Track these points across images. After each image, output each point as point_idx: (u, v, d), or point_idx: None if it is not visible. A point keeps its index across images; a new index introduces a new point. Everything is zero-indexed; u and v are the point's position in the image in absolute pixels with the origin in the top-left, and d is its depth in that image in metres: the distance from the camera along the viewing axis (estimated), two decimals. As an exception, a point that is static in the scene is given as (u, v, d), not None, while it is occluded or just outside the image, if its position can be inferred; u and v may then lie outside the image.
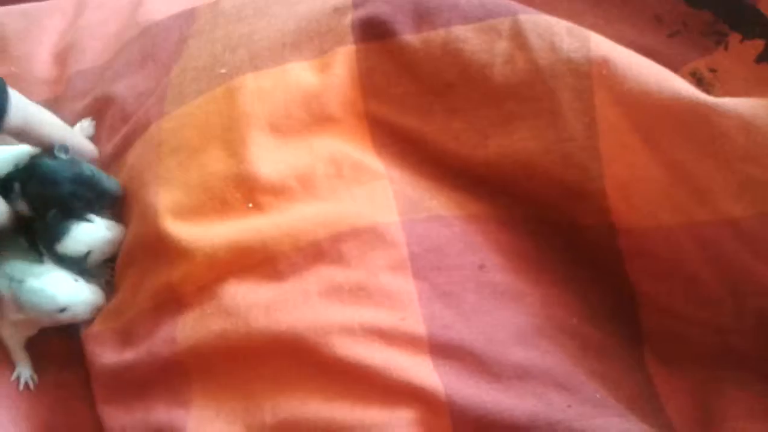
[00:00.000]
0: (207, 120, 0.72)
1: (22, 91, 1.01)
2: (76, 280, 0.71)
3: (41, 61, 1.04)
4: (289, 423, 0.56)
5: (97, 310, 0.72)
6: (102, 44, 0.98)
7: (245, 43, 0.75)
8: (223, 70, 0.74)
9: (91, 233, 0.72)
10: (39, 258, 0.73)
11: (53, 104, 0.99)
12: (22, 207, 0.73)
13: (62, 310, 0.69)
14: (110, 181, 0.75)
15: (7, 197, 0.72)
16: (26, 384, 0.73)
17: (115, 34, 0.98)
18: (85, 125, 0.85)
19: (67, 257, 0.72)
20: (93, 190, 0.73)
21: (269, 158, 0.68)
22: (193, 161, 0.70)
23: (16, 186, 0.72)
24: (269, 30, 0.75)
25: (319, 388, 0.57)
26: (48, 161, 0.72)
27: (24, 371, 0.74)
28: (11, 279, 0.71)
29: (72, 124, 0.88)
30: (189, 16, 0.87)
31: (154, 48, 0.87)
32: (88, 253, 0.72)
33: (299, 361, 0.58)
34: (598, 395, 0.57)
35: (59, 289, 0.69)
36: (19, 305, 0.70)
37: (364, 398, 0.55)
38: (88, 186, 0.73)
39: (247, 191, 0.67)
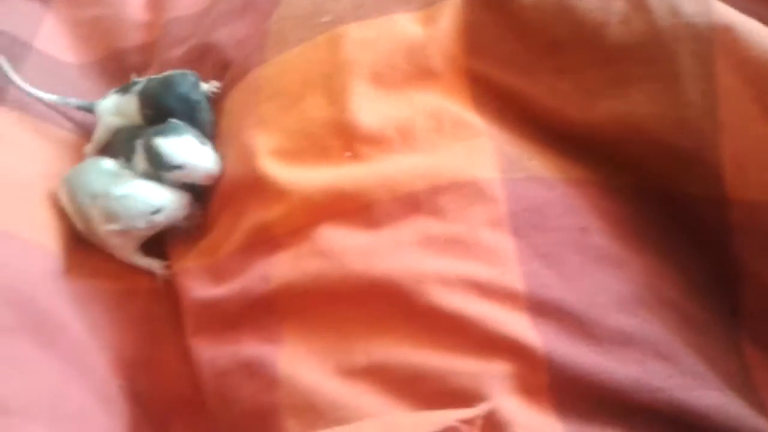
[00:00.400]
0: (308, 67, 0.72)
1: (113, 33, 1.06)
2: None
3: (134, 4, 1.07)
4: (380, 365, 0.57)
5: (187, 211, 0.74)
6: (198, -9, 1.00)
7: (349, -7, 0.75)
8: (325, 19, 0.74)
9: (190, 157, 0.74)
10: (118, 175, 0.77)
11: (148, 50, 1.02)
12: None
13: (156, 211, 0.72)
14: (206, 114, 0.79)
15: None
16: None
17: (211, -19, 1.00)
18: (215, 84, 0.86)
19: (158, 156, 0.74)
20: (190, 113, 0.78)
21: (370, 108, 0.68)
22: (292, 107, 0.71)
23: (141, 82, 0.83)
24: (374, -20, 0.75)
25: (412, 334, 0.57)
26: (176, 74, 0.80)
27: (153, 264, 0.78)
28: (94, 196, 0.75)
29: (169, 69, 0.90)
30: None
31: (257, -4, 0.88)
32: (178, 167, 0.74)
33: (393, 306, 0.58)
34: (697, 368, 0.55)
35: (149, 192, 0.73)
36: (112, 216, 0.73)
37: (459, 347, 0.55)
38: (187, 107, 0.78)
39: (347, 139, 0.68)
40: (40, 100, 0.90)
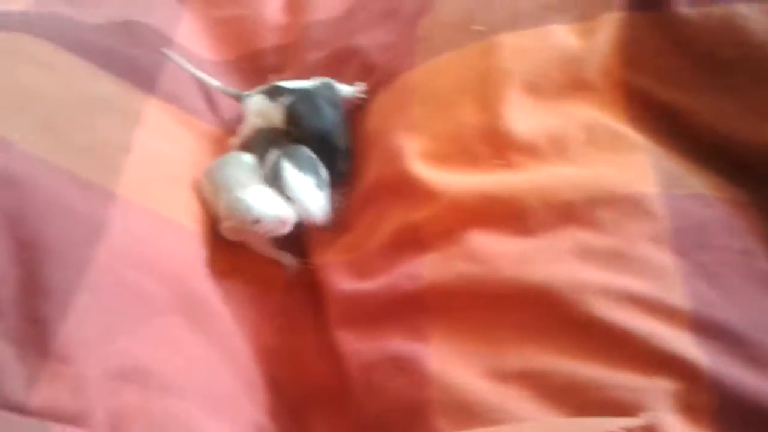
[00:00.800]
0: (461, 74, 0.74)
1: (249, 34, 1.10)
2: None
3: (272, 7, 1.11)
4: (533, 371, 0.58)
5: (288, 228, 0.77)
6: (335, -3, 1.04)
7: (503, 4, 0.77)
8: (480, 27, 0.76)
9: (302, 195, 0.77)
10: (253, 174, 0.81)
11: (284, 51, 1.07)
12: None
13: (256, 221, 0.76)
14: (343, 164, 0.82)
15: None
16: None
17: (347, -12, 1.04)
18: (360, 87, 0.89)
19: (279, 175, 0.78)
20: (329, 155, 0.81)
21: (523, 117, 0.69)
22: (443, 111, 0.73)
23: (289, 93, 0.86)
24: (530, -8, 0.76)
25: (569, 343, 0.58)
26: (326, 106, 0.83)
27: (286, 257, 0.82)
28: (223, 189, 0.80)
29: (309, 74, 0.94)
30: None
31: (398, 5, 0.91)
32: (289, 197, 0.77)
33: (549, 314, 0.59)
34: None
35: (257, 202, 0.76)
36: (227, 214, 0.77)
37: (619, 360, 0.55)
38: (329, 152, 0.82)
39: (498, 147, 0.69)
40: (205, 83, 0.98)
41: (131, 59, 0.93)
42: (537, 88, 0.70)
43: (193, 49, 1.07)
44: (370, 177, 0.77)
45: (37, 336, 0.59)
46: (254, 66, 1.08)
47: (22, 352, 0.58)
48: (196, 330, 0.71)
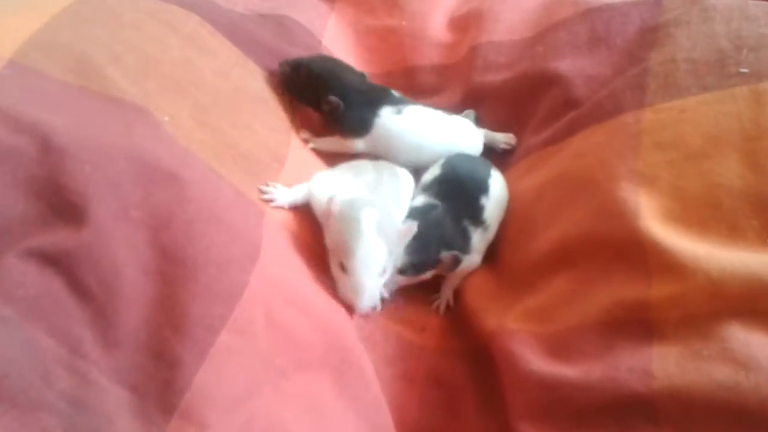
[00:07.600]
0: (718, 121, 0.62)
1: (406, 48, 1.01)
2: None
3: (436, 22, 1.02)
4: None
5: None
6: (519, 18, 0.94)
7: (778, 45, 0.64)
8: (742, 69, 0.64)
9: None
10: None
11: (444, 72, 0.97)
12: None
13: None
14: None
15: None
16: None
17: (536, 10, 0.93)
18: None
19: None
20: None
21: (806, 187, 0.56)
22: (691, 165, 0.61)
23: None
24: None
25: None
26: None
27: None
28: None
29: (479, 98, 0.89)
30: (654, 4, 0.79)
31: (608, 32, 0.80)
32: None
33: None
34: None
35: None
36: None
37: None
38: None
39: (768, 221, 0.56)
40: None
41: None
42: (826, 153, 0.58)
43: (339, 56, 0.98)
44: (568, 230, 0.65)
45: (163, 382, 0.47)
46: (407, 83, 0.99)
47: (140, 399, 0.46)
48: (343, 395, 0.59)
